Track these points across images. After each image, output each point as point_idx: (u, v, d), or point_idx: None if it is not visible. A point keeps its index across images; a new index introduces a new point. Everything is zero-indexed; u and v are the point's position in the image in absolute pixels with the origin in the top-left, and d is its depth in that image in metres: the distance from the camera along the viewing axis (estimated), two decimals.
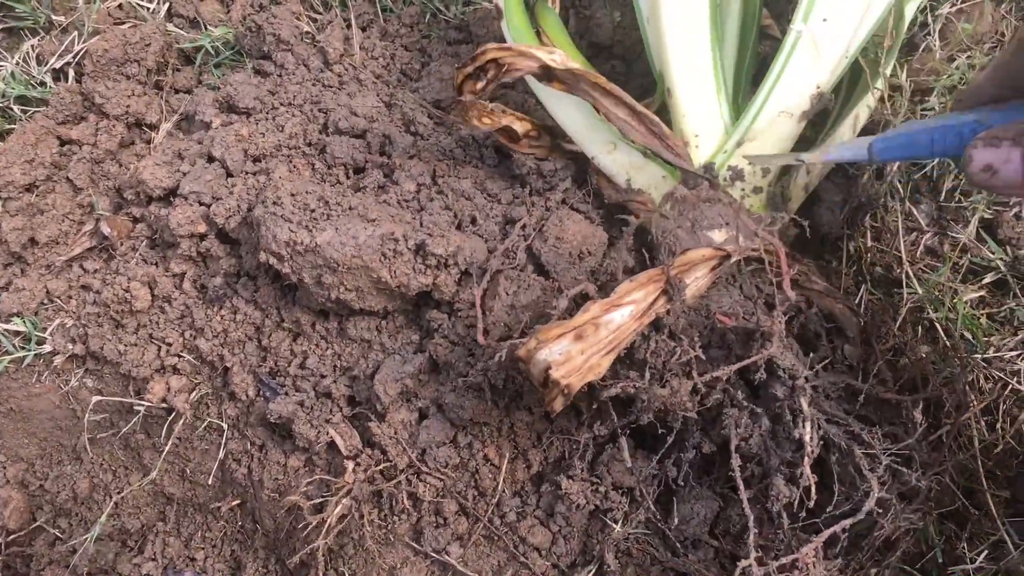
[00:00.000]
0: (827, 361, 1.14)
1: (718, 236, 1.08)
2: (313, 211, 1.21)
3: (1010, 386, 1.16)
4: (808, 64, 1.13)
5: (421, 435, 1.19)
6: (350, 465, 1.23)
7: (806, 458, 0.98)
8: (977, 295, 1.22)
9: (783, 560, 0.98)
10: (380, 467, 1.21)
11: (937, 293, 1.20)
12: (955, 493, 1.14)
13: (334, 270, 1.16)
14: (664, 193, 1.15)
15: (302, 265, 1.19)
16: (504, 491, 1.21)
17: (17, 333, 1.43)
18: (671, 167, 1.20)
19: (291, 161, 1.37)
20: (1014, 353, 1.18)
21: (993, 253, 1.21)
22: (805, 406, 0.99)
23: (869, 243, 1.27)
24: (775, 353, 0.97)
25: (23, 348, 1.42)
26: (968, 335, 1.19)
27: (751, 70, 1.30)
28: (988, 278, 1.22)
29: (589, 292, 1.06)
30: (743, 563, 0.98)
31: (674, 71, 1.19)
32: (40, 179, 1.49)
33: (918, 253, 1.25)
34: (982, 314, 1.21)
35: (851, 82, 1.31)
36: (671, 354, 0.99)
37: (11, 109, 1.56)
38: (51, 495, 1.43)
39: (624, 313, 0.98)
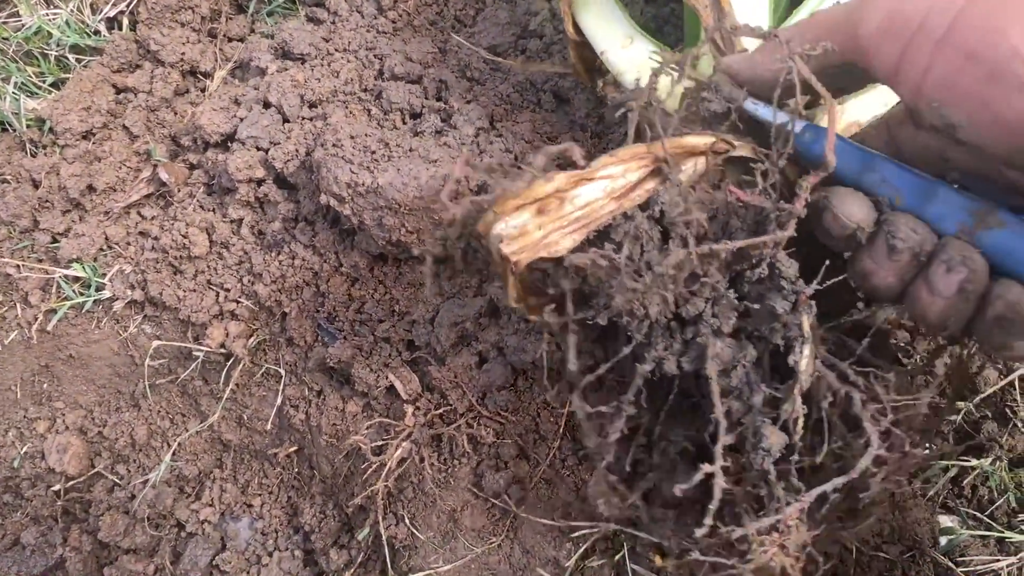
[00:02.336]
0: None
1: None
2: (374, 152, 1.20)
3: None
4: None
5: (481, 379, 1.19)
6: (410, 409, 1.23)
7: (797, 386, 0.82)
8: None
9: (764, 522, 0.82)
10: (440, 411, 1.21)
11: None
12: None
13: (395, 211, 1.16)
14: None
15: (363, 207, 1.18)
16: (565, 434, 1.20)
17: (76, 279, 1.44)
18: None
19: (347, 106, 1.37)
20: None
21: None
22: (807, 326, 0.81)
23: None
24: (780, 256, 0.81)
25: (82, 294, 1.44)
26: None
27: None
28: None
29: (574, 155, 0.87)
30: (706, 467, 0.83)
31: None
32: (97, 127, 1.49)
33: None
34: None
35: None
36: (651, 239, 0.83)
37: (66, 58, 1.56)
38: (109, 442, 1.45)
39: (596, 188, 0.85)
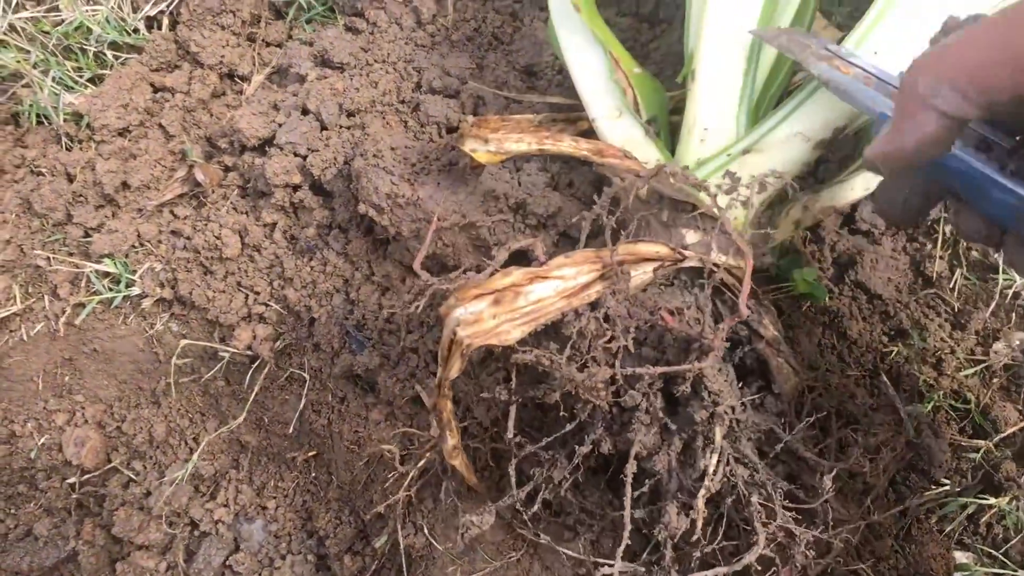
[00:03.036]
0: (758, 399, 1.09)
1: (691, 237, 1.04)
2: (414, 165, 1.22)
3: None
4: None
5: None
6: (435, 420, 1.25)
7: (703, 490, 0.94)
8: None
9: None
10: (465, 423, 1.23)
11: None
12: None
13: (441, 221, 1.18)
14: (653, 168, 1.06)
15: (401, 218, 1.20)
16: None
17: (107, 274, 1.46)
18: (667, 156, 1.14)
19: (384, 117, 1.39)
20: None
21: None
22: (719, 436, 0.94)
23: None
24: (708, 370, 0.93)
25: (111, 290, 1.46)
26: None
27: (783, 85, 1.21)
28: None
29: (536, 250, 1.02)
30: (604, 569, 0.95)
31: (705, 56, 1.13)
32: (133, 124, 1.52)
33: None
34: None
35: None
36: (598, 337, 0.95)
37: (104, 54, 1.58)
38: (127, 437, 1.48)
39: (548, 287, 0.95)
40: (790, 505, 0.98)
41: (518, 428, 1.06)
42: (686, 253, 0.98)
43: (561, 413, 1.00)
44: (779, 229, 1.15)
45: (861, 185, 1.18)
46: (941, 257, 1.26)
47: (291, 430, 1.41)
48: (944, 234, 1.27)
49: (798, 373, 1.08)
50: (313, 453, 1.41)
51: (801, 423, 1.06)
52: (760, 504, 0.93)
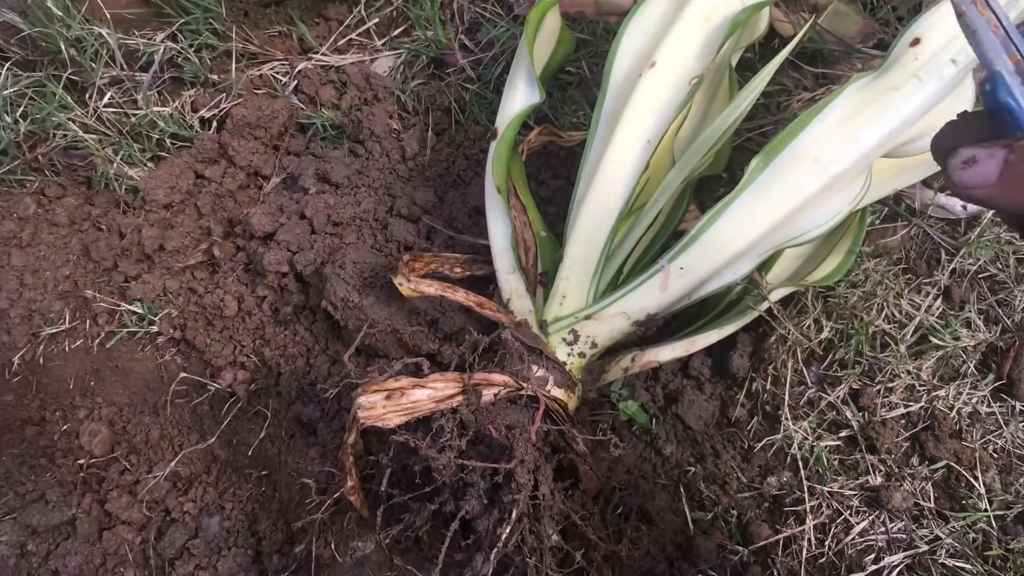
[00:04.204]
0: (570, 492, 1.41)
1: (539, 372, 1.38)
2: (367, 278, 1.64)
3: (843, 515, 1.55)
4: (655, 291, 1.40)
5: None
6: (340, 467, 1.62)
7: (495, 549, 1.25)
8: (834, 443, 1.61)
9: None
10: (373, 471, 1.62)
11: (802, 435, 1.60)
12: None
13: (372, 327, 1.60)
14: (516, 322, 1.43)
15: (349, 317, 1.60)
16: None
17: (135, 313, 1.79)
18: (538, 308, 1.50)
19: (360, 231, 1.79)
20: (851, 492, 1.57)
21: (852, 415, 1.61)
22: (514, 516, 1.25)
23: (767, 386, 1.66)
24: (518, 469, 1.25)
25: (137, 326, 1.80)
26: (820, 470, 1.58)
27: (639, 269, 1.53)
28: (844, 432, 1.61)
29: (422, 365, 1.36)
30: None
31: (571, 247, 1.46)
32: (176, 202, 1.87)
33: (800, 402, 1.64)
34: (835, 458, 1.60)
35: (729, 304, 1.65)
36: (450, 434, 1.27)
37: (164, 141, 1.97)
38: (129, 436, 1.73)
39: (424, 393, 1.29)
40: (566, 570, 1.38)
41: (404, 485, 1.42)
42: (524, 384, 1.37)
43: (419, 480, 1.37)
44: (609, 373, 1.55)
45: (683, 348, 1.58)
46: (743, 405, 1.66)
47: (251, 452, 1.69)
48: (749, 389, 1.67)
49: (599, 478, 1.47)
50: (265, 473, 1.67)
51: (602, 510, 1.47)
52: (536, 564, 1.31)
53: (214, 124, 2.01)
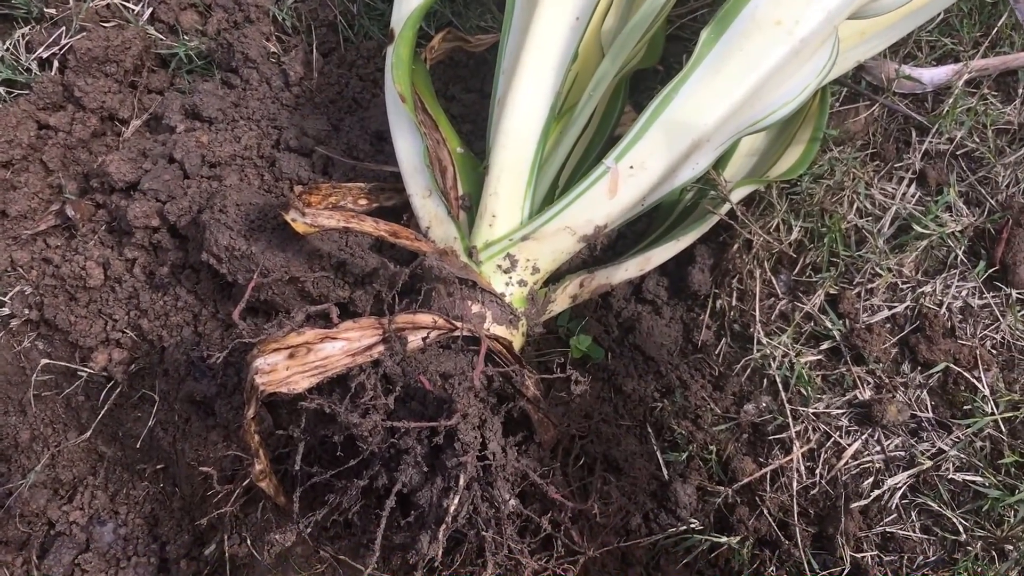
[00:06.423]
0: (523, 446, 1.23)
1: (474, 308, 1.21)
2: (253, 221, 1.38)
3: (832, 438, 1.37)
4: (602, 197, 1.23)
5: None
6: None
7: (444, 525, 1.08)
8: (815, 358, 1.42)
9: None
10: (287, 449, 1.39)
11: (782, 352, 1.41)
12: (771, 524, 1.34)
13: (265, 276, 1.34)
14: (440, 250, 1.24)
15: (237, 268, 1.36)
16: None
17: None
18: (463, 233, 1.30)
19: (243, 171, 1.54)
20: (839, 411, 1.39)
21: (832, 324, 1.42)
22: (461, 482, 1.07)
23: (733, 303, 1.47)
24: (461, 425, 1.07)
25: None
26: (802, 391, 1.39)
27: (578, 176, 1.35)
28: (825, 345, 1.43)
29: (332, 314, 1.16)
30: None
31: (497, 154, 1.29)
32: (16, 158, 1.65)
33: (772, 316, 1.46)
34: (817, 375, 1.41)
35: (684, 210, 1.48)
36: (372, 392, 1.09)
37: None
38: None
39: (336, 346, 1.10)
40: (531, 540, 1.17)
41: (325, 460, 1.21)
42: (457, 324, 1.15)
43: (342, 452, 1.16)
44: (556, 302, 1.34)
45: (636, 267, 1.37)
46: (708, 327, 1.47)
47: (140, 444, 1.53)
48: (713, 307, 1.47)
49: (556, 426, 1.27)
50: (161, 466, 1.53)
51: (562, 464, 1.25)
52: (493, 537, 1.11)
53: (55, 64, 1.76)
